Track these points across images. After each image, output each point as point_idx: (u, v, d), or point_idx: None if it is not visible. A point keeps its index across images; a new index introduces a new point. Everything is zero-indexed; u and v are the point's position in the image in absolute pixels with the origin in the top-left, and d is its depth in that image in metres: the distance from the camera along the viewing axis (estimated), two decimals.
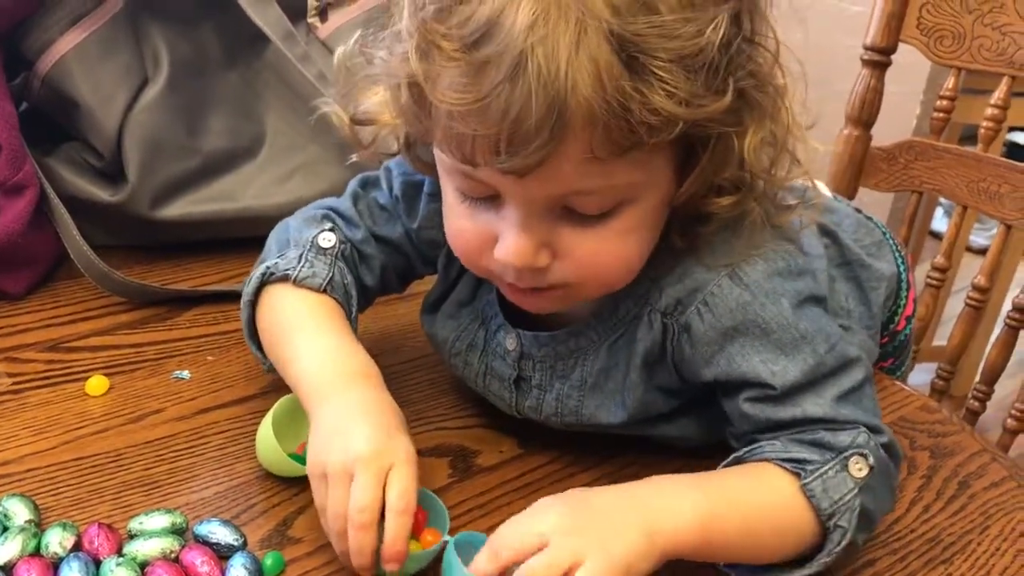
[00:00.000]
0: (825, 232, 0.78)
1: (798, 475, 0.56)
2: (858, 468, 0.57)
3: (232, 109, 0.93)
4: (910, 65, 1.18)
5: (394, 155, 0.65)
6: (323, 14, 1.00)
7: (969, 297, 1.15)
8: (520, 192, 0.52)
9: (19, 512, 0.57)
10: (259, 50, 0.94)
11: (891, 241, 0.87)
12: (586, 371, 0.64)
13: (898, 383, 0.83)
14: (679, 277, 0.60)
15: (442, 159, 0.56)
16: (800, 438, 0.58)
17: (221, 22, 0.92)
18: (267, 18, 0.90)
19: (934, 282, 1.17)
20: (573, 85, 0.46)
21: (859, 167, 1.23)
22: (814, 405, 0.58)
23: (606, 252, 0.55)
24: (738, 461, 0.59)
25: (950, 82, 1.16)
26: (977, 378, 1.13)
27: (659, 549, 0.52)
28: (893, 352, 0.87)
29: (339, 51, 0.62)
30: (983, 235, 2.53)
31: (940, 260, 1.16)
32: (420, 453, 0.58)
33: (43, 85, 0.86)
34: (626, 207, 0.54)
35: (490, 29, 0.47)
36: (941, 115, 1.18)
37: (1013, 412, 1.06)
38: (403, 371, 0.77)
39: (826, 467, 0.56)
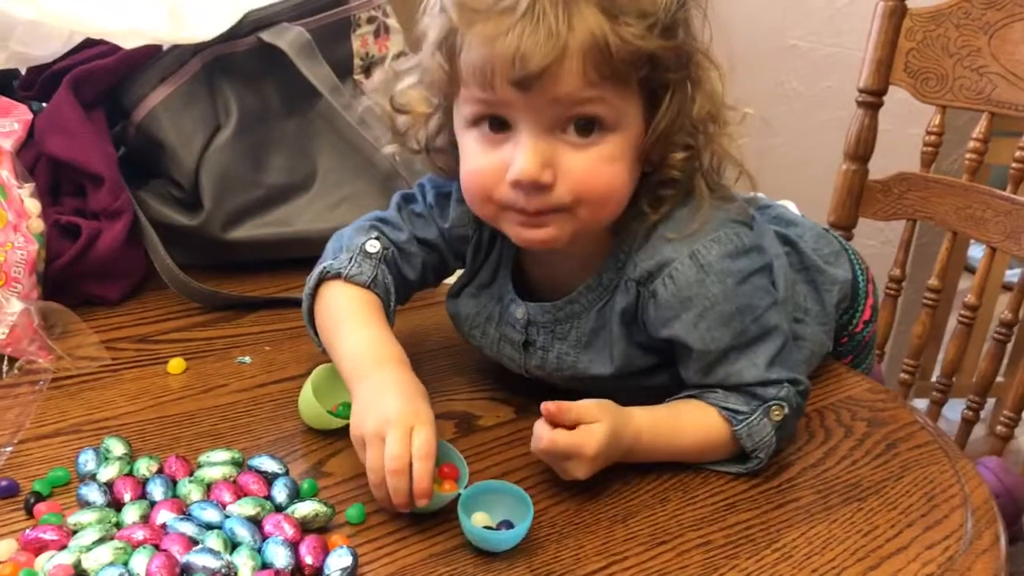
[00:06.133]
0: (787, 242, 0.92)
1: (731, 422, 0.75)
2: (776, 415, 0.75)
3: (290, 150, 1.09)
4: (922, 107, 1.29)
5: (415, 152, 0.81)
6: (367, 71, 1.17)
7: (961, 315, 1.25)
8: (530, 106, 0.68)
9: (116, 448, 0.73)
10: (312, 101, 1.09)
11: (851, 253, 0.99)
12: (580, 332, 0.79)
13: (853, 371, 0.96)
14: (651, 254, 0.75)
15: (463, 116, 0.72)
16: (732, 391, 0.76)
17: (281, 79, 1.07)
18: (318, 75, 1.06)
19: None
20: (569, 22, 0.65)
21: (857, 199, 1.34)
22: (748, 369, 0.75)
23: (596, 172, 0.70)
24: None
25: (936, 119, 1.27)
26: (951, 377, 1.22)
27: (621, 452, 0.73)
28: (852, 351, 0.99)
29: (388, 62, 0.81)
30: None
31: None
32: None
33: (137, 131, 1.03)
34: (609, 135, 0.70)
35: None
36: (930, 149, 1.29)
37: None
38: (426, 357, 0.92)
39: (752, 416, 0.75)
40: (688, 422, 0.77)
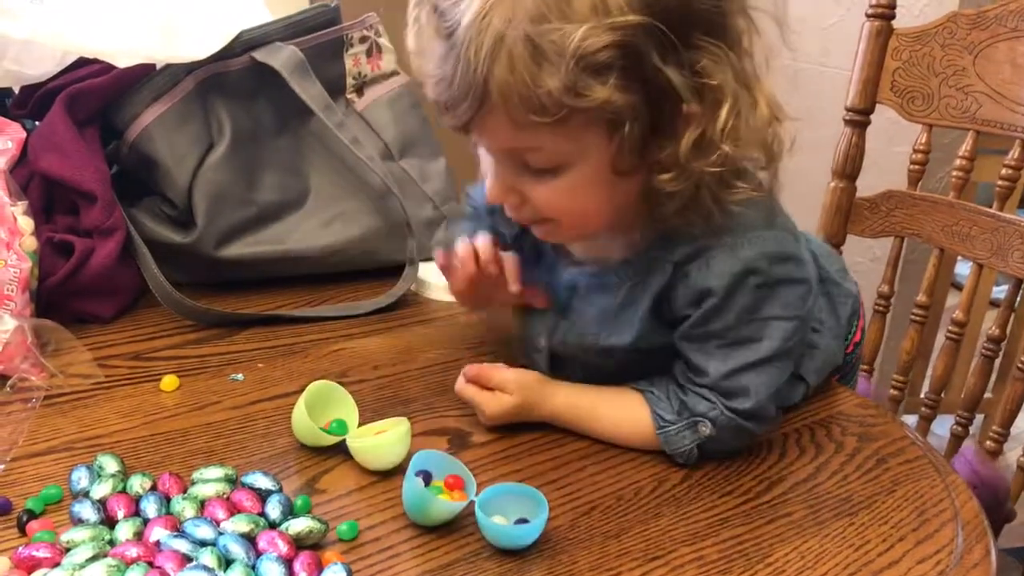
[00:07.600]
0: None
1: (656, 425, 0.79)
2: (704, 429, 0.78)
3: (283, 168, 1.10)
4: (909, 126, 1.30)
5: None
6: (359, 91, 1.18)
7: (948, 331, 1.26)
8: (482, 143, 0.71)
9: (110, 465, 0.73)
10: (305, 120, 1.11)
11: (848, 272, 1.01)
12: (607, 304, 0.81)
13: (843, 387, 0.97)
14: (693, 241, 0.76)
15: None
16: (677, 391, 0.79)
17: (274, 97, 1.09)
18: (311, 94, 1.08)
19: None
20: (489, 68, 0.64)
21: (846, 216, 1.35)
22: (716, 367, 0.76)
23: (556, 201, 0.72)
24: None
25: (923, 137, 1.29)
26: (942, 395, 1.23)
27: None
28: (840, 370, 1.00)
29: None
30: None
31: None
32: (426, 433, 0.78)
33: (130, 150, 1.04)
34: (567, 169, 0.70)
35: (454, 27, 0.65)
36: (917, 167, 1.31)
37: None
38: (419, 374, 0.92)
39: (674, 426, 0.78)
40: (608, 412, 0.81)
